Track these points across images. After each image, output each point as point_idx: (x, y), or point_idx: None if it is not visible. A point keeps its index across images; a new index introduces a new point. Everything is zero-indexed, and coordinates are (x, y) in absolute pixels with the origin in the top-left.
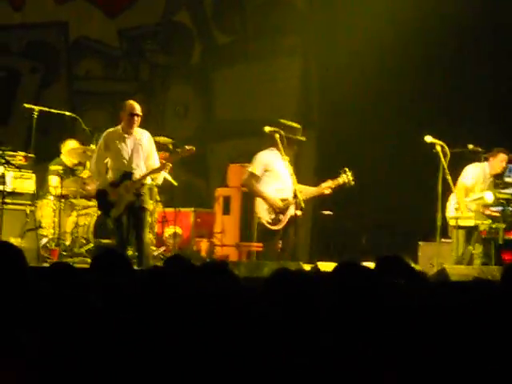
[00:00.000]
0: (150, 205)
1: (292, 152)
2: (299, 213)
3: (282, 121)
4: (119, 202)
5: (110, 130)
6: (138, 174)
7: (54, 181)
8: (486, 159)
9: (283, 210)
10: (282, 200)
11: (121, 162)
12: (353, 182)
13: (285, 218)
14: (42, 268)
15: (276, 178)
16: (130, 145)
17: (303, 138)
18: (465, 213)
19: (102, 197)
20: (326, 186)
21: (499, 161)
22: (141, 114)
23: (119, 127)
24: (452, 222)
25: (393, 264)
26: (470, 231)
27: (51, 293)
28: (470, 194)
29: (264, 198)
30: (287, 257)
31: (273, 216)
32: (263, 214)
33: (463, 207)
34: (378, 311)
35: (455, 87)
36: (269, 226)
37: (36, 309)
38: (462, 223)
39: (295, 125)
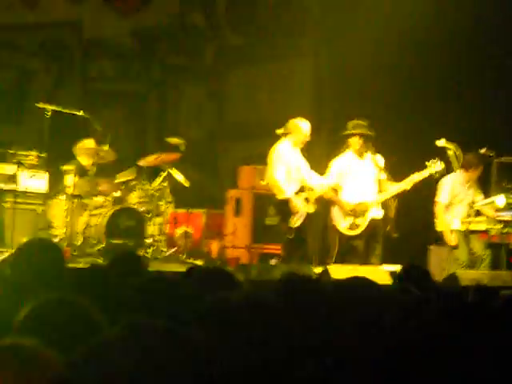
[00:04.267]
0: None
1: (370, 149)
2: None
3: (351, 121)
4: None
5: None
6: None
7: (69, 180)
8: (464, 167)
9: (359, 214)
10: (357, 204)
11: None
12: (442, 167)
13: (364, 222)
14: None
15: (351, 181)
16: None
17: (372, 133)
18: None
19: None
20: (411, 181)
21: (479, 171)
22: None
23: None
24: (463, 227)
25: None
26: (467, 235)
27: None
28: (450, 208)
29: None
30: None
31: (351, 221)
32: (338, 220)
33: (445, 226)
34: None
35: (474, 87)
36: (345, 231)
37: None
38: (472, 228)
39: (361, 121)
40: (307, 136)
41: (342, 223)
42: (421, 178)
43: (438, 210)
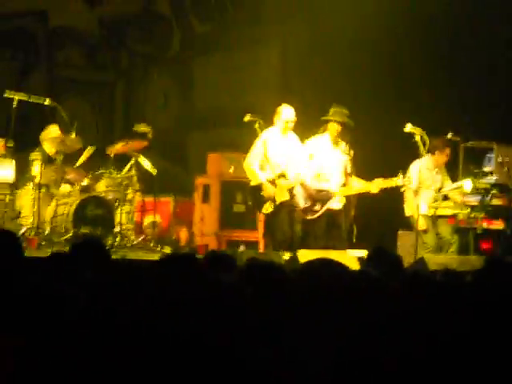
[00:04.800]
0: None
1: (347, 139)
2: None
3: (333, 107)
4: None
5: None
6: None
7: (36, 169)
8: (430, 151)
9: (319, 200)
10: (319, 190)
11: None
12: (407, 186)
13: (321, 209)
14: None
15: (320, 165)
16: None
17: (352, 123)
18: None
19: None
20: (376, 185)
21: (445, 155)
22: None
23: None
24: (430, 212)
25: (382, 255)
26: (434, 220)
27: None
28: (418, 193)
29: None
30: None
31: (308, 204)
32: (300, 200)
33: (413, 211)
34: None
35: (441, 74)
36: (301, 213)
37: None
38: (440, 213)
39: (343, 109)
40: (288, 121)
41: (301, 204)
42: (387, 186)
43: (407, 194)
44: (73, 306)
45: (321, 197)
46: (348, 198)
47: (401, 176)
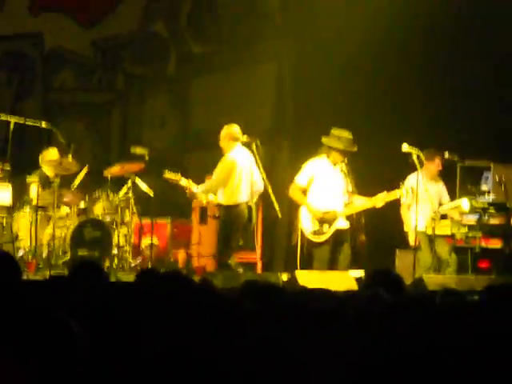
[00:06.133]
0: None
1: (343, 162)
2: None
3: (333, 130)
4: None
5: None
6: None
7: (33, 192)
8: (421, 164)
9: (327, 222)
10: (326, 212)
11: None
12: (408, 195)
13: (330, 231)
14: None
15: (322, 187)
16: None
17: (354, 149)
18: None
19: None
20: (380, 199)
21: (436, 164)
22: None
23: None
24: (429, 231)
25: (383, 277)
26: (432, 239)
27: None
28: (413, 208)
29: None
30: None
31: (316, 227)
32: (306, 224)
33: (408, 226)
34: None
35: (437, 94)
36: (311, 237)
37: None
38: (438, 232)
39: (346, 134)
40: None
41: (309, 228)
42: (391, 199)
43: (402, 210)
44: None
45: (328, 218)
46: (358, 219)
47: (403, 187)
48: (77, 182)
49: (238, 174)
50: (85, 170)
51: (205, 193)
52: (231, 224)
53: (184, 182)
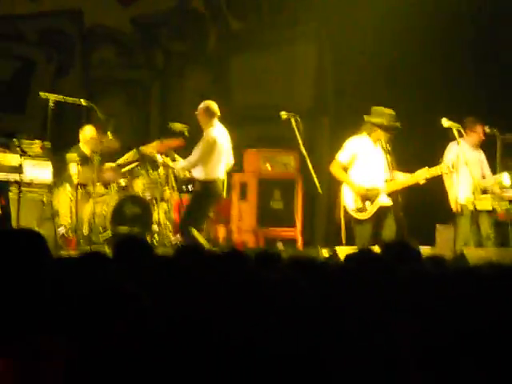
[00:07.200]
0: None
1: (388, 139)
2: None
3: (374, 108)
4: None
5: None
6: None
7: (73, 169)
8: (461, 135)
9: (370, 199)
10: (369, 189)
11: None
12: (450, 171)
13: (373, 208)
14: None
15: (364, 165)
16: None
17: (398, 125)
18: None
19: None
20: (422, 176)
21: (477, 133)
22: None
23: None
24: (470, 206)
25: (400, 250)
26: (474, 214)
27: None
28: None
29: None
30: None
31: (359, 205)
32: (349, 201)
33: (452, 196)
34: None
35: (477, 69)
36: (354, 214)
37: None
38: (479, 207)
39: (389, 111)
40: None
41: (352, 205)
42: (433, 175)
43: (447, 182)
44: (137, 305)
45: (370, 195)
46: (395, 197)
47: (443, 163)
48: (121, 160)
49: (218, 150)
50: (133, 155)
51: (186, 169)
52: (207, 198)
53: (159, 157)
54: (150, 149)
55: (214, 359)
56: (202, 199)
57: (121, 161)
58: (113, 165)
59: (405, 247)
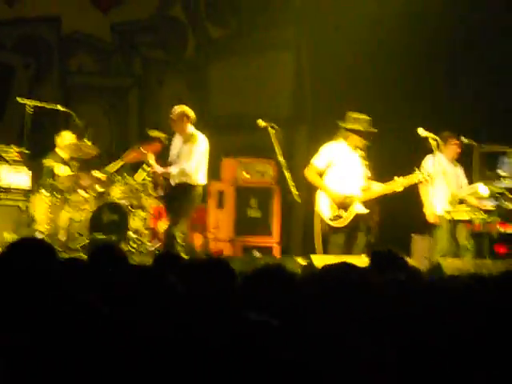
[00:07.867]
0: None
1: (364, 146)
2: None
3: (349, 113)
4: None
5: None
6: None
7: (60, 169)
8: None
9: (346, 206)
10: (346, 196)
11: None
12: (428, 180)
13: (348, 215)
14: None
15: (340, 171)
16: None
17: (374, 130)
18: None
19: None
20: (399, 184)
21: (454, 148)
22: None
23: None
24: (447, 217)
25: (387, 259)
26: (451, 224)
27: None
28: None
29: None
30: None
31: (335, 212)
32: (324, 209)
33: (428, 207)
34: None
35: (453, 78)
36: (329, 222)
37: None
38: (456, 217)
39: (364, 116)
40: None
41: (327, 213)
42: (410, 183)
43: (422, 191)
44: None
45: (347, 203)
46: (371, 204)
47: (418, 171)
48: (109, 168)
49: (205, 155)
50: (120, 163)
51: (181, 175)
52: (193, 203)
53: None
54: (134, 154)
55: (189, 366)
56: (193, 204)
57: (108, 168)
58: (103, 175)
59: (392, 256)
